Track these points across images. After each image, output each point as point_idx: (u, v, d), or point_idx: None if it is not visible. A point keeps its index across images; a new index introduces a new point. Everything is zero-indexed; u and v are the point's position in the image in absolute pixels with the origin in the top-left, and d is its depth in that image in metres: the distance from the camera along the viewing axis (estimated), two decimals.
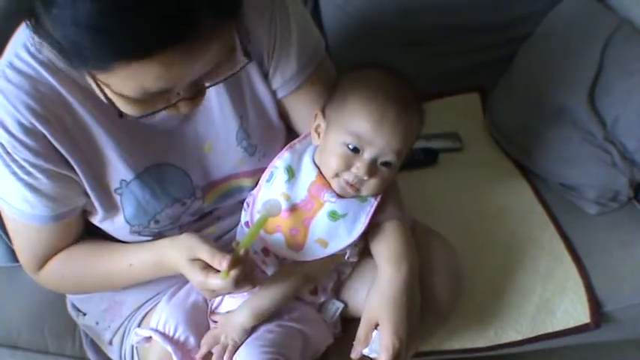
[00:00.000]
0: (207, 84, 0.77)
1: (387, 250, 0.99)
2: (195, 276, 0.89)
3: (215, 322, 1.02)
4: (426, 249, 1.04)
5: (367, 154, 0.94)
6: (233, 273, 0.86)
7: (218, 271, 0.87)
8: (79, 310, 1.15)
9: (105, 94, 0.73)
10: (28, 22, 0.71)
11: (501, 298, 1.24)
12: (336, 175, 0.96)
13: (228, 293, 0.92)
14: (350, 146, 0.94)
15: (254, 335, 0.98)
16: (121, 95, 0.72)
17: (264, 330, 0.98)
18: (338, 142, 0.95)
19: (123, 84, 0.71)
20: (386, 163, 0.95)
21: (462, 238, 1.21)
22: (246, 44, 0.78)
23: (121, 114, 0.75)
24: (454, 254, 1.09)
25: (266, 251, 1.00)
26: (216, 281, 0.87)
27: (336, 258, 1.00)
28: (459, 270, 1.09)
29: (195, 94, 0.77)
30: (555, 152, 1.38)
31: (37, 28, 0.70)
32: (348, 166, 0.94)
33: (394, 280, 0.97)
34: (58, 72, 0.86)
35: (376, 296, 0.98)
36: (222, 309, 1.03)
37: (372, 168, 0.94)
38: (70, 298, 1.16)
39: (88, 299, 1.11)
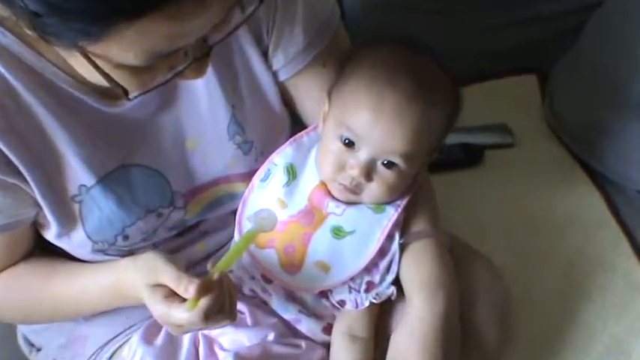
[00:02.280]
0: (213, 41, 0.72)
1: (417, 277, 0.91)
2: (155, 306, 0.80)
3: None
4: (467, 275, 0.96)
5: (363, 152, 0.86)
6: (202, 303, 0.76)
7: (185, 300, 0.78)
8: (32, 345, 1.06)
9: (102, 71, 0.66)
10: None
11: (562, 335, 1.14)
12: (333, 178, 0.89)
13: (200, 329, 0.85)
14: (345, 140, 0.86)
15: None
16: (122, 67, 0.67)
17: None
18: (333, 136, 0.88)
19: (126, 50, 0.64)
20: (389, 164, 0.86)
21: (512, 259, 1.16)
22: None
23: (126, 93, 0.69)
24: (502, 281, 1.01)
25: (267, 278, 0.92)
26: (180, 313, 0.77)
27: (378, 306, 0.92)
28: (508, 301, 1.01)
29: (202, 55, 0.72)
30: (634, 153, 1.28)
31: (9, 5, 0.64)
32: (342, 166, 0.87)
33: (426, 314, 0.89)
34: (4, 54, 0.78)
35: (403, 336, 0.90)
36: (224, 342, 0.93)
37: (370, 169, 0.86)
38: (22, 330, 1.08)
39: (43, 331, 1.03)
